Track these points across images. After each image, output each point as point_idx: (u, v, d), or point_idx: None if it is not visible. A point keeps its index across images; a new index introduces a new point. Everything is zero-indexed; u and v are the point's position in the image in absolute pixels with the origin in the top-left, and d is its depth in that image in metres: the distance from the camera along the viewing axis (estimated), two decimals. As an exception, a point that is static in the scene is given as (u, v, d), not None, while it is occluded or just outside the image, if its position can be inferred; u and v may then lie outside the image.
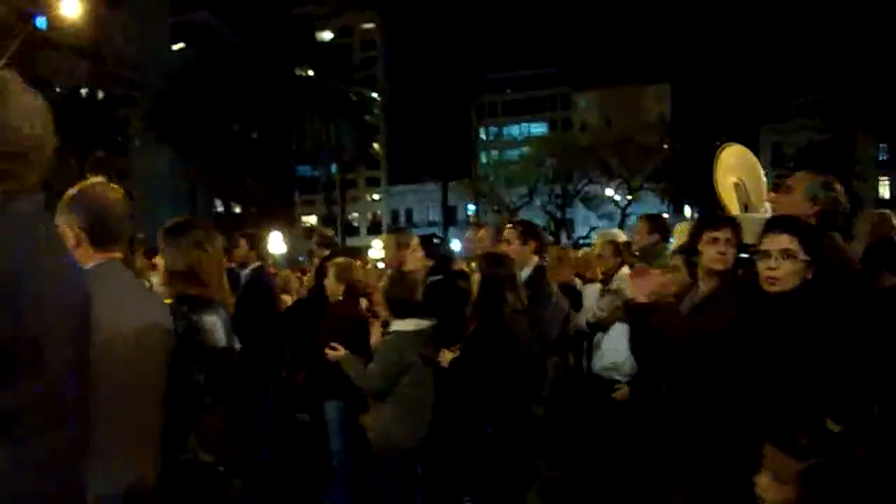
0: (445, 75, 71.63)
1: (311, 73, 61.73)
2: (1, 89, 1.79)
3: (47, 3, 29.98)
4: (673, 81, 72.29)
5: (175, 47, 59.90)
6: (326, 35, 74.39)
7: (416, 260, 5.94)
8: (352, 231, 69.72)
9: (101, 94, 44.80)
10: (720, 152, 8.44)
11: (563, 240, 48.65)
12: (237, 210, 59.20)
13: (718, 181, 8.31)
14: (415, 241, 6.38)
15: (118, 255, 3.08)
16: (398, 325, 5.13)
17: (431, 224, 65.03)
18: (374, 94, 68.14)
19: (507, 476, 5.00)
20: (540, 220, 65.25)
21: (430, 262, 5.94)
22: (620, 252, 7.06)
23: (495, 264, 5.07)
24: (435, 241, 6.34)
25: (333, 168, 67.21)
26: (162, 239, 3.67)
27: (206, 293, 3.57)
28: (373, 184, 78.66)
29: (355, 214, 75.33)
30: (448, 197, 64.35)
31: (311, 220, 75.76)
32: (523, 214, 52.57)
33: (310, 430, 7.02)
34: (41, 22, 37.72)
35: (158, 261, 3.76)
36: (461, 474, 5.30)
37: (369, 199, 78.33)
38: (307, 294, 8.13)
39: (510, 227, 6.32)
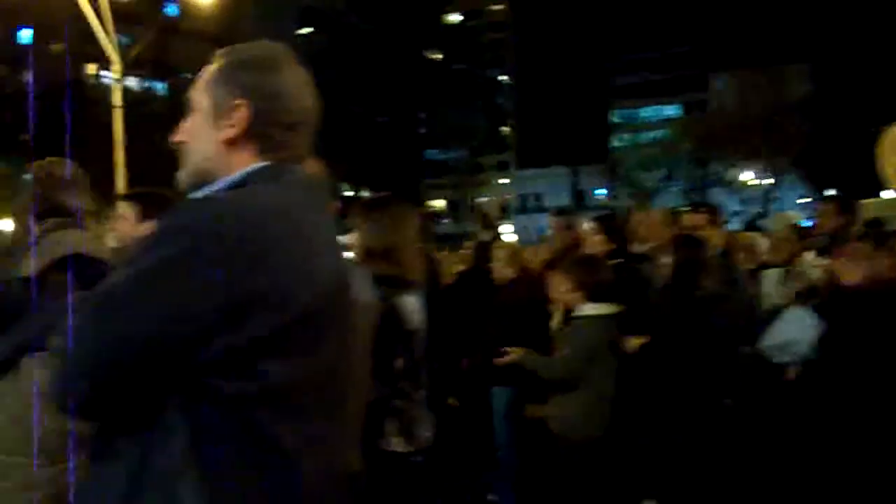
0: (576, 57, 70.65)
1: (439, 56, 61.93)
2: (275, 60, 1.81)
3: None
4: (813, 61, 69.11)
5: (302, 31, 60.91)
6: (454, 17, 74.46)
7: (595, 243, 5.60)
8: (480, 215, 69.25)
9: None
10: (888, 131, 7.92)
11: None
12: (365, 194, 59.85)
13: (886, 160, 7.80)
14: (587, 223, 6.11)
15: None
16: (589, 309, 4.75)
17: (561, 209, 64.01)
18: (504, 77, 67.80)
19: (697, 475, 4.66)
20: (678, 204, 63.76)
21: (611, 246, 5.58)
22: (804, 236, 6.61)
23: (691, 247, 4.72)
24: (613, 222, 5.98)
25: (462, 152, 67.25)
26: (358, 215, 3.52)
27: (403, 273, 3.42)
28: (501, 168, 78.07)
29: (483, 199, 75.17)
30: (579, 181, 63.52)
31: (440, 203, 75.99)
32: (661, 198, 51.51)
33: (467, 418, 6.79)
34: (172, 10, 38.58)
35: (352, 238, 3.61)
36: (645, 471, 4.98)
37: (497, 183, 77.86)
38: (458, 277, 7.88)
39: (691, 212, 5.98)
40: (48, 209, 3.10)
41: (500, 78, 70.04)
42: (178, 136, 1.84)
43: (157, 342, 1.48)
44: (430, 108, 60.41)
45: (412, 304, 3.41)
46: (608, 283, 4.78)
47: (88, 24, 17.70)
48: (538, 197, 73.94)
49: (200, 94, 1.80)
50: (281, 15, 56.26)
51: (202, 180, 1.77)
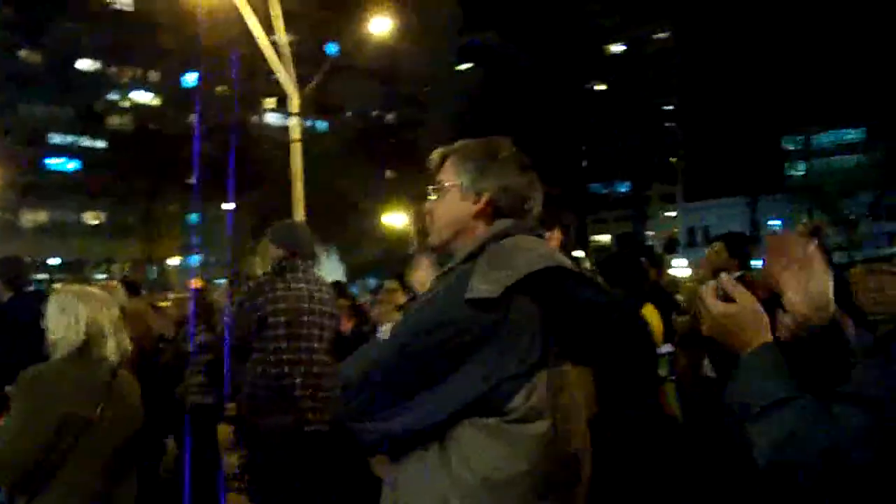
0: (746, 84, 67.32)
1: (603, 87, 60.63)
2: None
3: (342, 30, 30.71)
4: None
5: (461, 68, 60.72)
6: (618, 48, 72.55)
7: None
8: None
9: (390, 117, 46.12)
10: None
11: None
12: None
13: None
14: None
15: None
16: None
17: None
18: (671, 107, 65.88)
19: None
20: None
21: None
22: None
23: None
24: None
25: (626, 185, 65.51)
26: None
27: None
28: (667, 200, 75.48)
29: (650, 233, 72.56)
30: (746, 212, 60.80)
31: (605, 238, 73.92)
32: (877, 226, 48.18)
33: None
34: (332, 48, 38.81)
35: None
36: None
37: (663, 215, 75.15)
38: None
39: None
40: (508, 203, 2.36)
41: (666, 108, 67.77)
42: None
43: None
44: (593, 141, 58.85)
45: None
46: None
47: (252, 64, 17.82)
48: (706, 230, 71.16)
49: None
50: (441, 52, 56.01)
51: None
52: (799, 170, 67.56)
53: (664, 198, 75.30)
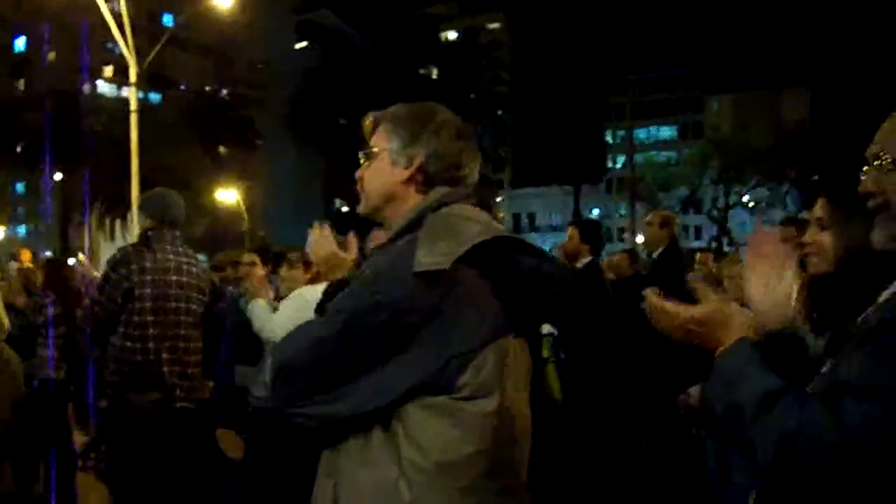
0: (573, 78, 69.97)
1: (435, 73, 61.26)
2: None
3: (176, 2, 30.23)
4: (811, 84, 68.81)
5: (298, 46, 60.08)
6: (451, 35, 73.49)
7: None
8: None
9: (225, 93, 45.17)
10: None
11: (725, 246, 45.80)
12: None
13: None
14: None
15: None
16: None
17: (555, 229, 63.61)
18: (500, 96, 67.32)
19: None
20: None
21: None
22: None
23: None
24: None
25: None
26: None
27: None
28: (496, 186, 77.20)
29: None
30: (568, 201, 63.10)
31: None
32: (684, 219, 50.63)
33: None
34: (167, 20, 38.18)
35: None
36: None
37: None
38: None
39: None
40: (440, 170, 2.21)
41: (497, 96, 69.44)
42: None
43: None
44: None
45: None
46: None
47: (87, 32, 17.32)
48: (532, 216, 73.32)
49: None
50: (278, 29, 55.15)
51: None
52: (619, 163, 70.77)
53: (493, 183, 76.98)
